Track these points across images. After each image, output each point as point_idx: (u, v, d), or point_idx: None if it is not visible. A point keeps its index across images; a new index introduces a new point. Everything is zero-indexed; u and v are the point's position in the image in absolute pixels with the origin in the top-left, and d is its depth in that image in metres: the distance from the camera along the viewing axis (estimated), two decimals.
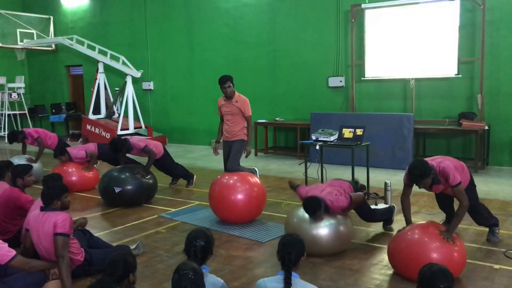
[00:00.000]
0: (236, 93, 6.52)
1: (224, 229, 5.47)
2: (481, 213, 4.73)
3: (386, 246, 4.73)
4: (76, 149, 7.70)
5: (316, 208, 4.42)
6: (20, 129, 8.57)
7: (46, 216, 3.87)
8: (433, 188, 4.33)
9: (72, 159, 7.56)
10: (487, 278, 4.03)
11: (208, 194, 5.87)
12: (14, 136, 8.52)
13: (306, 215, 4.54)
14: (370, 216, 5.22)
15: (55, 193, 3.96)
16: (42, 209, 3.96)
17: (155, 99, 13.88)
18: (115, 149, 7.00)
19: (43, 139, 8.51)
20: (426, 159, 4.31)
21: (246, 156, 6.64)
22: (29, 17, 15.26)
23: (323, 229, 4.46)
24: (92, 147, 7.82)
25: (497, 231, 4.90)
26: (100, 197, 6.86)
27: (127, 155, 7.42)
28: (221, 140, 6.79)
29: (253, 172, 6.58)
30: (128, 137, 7.52)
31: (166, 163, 7.66)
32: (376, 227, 5.47)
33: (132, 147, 7.06)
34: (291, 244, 2.95)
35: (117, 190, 6.46)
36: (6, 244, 3.52)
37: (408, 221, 4.36)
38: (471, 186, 4.53)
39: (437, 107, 9.51)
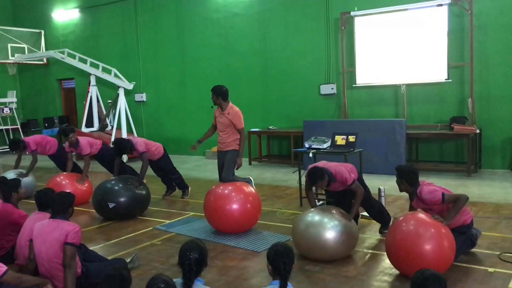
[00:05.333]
0: (230, 105, 6.47)
1: (219, 240, 5.46)
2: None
3: (381, 253, 4.77)
4: (86, 141, 7.72)
5: (318, 177, 4.81)
6: (20, 139, 8.73)
7: (58, 223, 3.93)
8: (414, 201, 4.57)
9: (79, 145, 7.60)
10: (482, 281, 4.05)
11: (203, 205, 5.86)
12: (16, 144, 8.53)
13: (314, 220, 4.60)
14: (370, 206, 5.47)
15: (69, 201, 4.11)
16: (52, 217, 4.03)
17: (148, 110, 13.89)
18: (119, 150, 6.87)
19: (41, 148, 8.44)
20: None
21: (237, 168, 6.57)
22: (20, 32, 15.27)
23: (331, 234, 4.48)
24: (98, 143, 7.84)
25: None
26: (94, 210, 6.81)
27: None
28: (203, 142, 6.87)
29: (248, 182, 6.57)
30: (131, 137, 7.42)
31: (165, 166, 7.63)
32: (371, 233, 5.48)
33: (135, 148, 6.99)
34: (285, 253, 2.96)
35: (111, 205, 6.42)
36: None
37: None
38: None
39: (428, 112, 9.58)
